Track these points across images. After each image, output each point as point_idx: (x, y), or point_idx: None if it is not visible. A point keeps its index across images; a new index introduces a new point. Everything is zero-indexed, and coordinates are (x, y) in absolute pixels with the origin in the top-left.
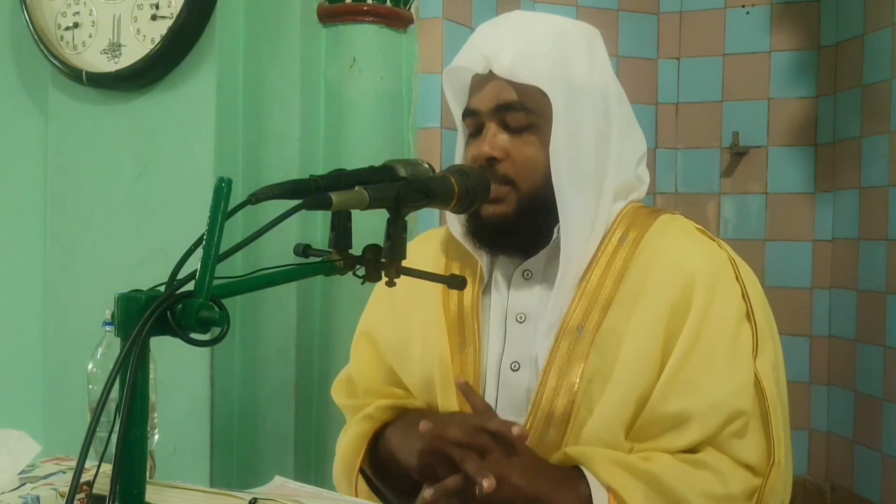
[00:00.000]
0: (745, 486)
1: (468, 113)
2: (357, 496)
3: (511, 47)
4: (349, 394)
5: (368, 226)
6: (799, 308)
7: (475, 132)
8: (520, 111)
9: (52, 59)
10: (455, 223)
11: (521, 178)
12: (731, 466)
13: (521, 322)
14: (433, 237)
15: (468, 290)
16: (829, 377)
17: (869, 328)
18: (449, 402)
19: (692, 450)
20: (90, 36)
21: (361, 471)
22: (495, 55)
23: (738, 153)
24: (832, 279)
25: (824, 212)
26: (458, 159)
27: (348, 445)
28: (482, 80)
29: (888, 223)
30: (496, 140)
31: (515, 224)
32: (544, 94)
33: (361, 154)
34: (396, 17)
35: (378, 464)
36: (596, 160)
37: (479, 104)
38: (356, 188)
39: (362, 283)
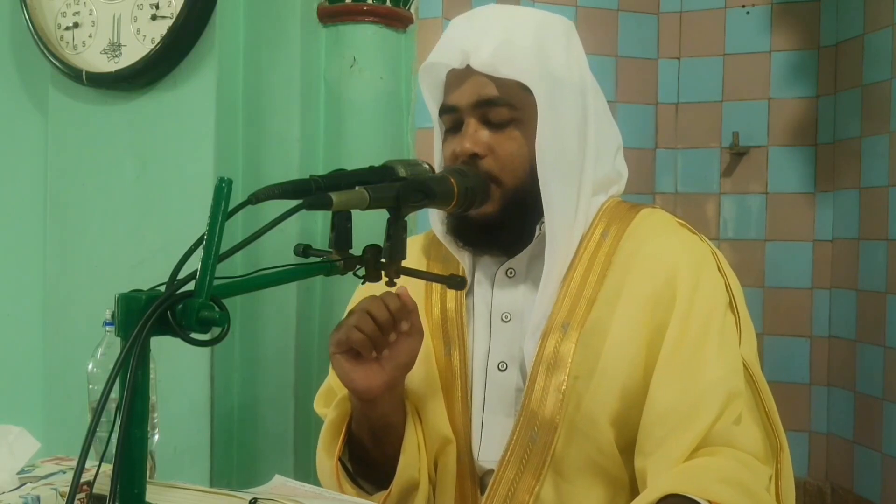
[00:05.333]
0: (766, 475)
1: (446, 109)
2: (339, 485)
3: (490, 41)
4: (328, 403)
5: (368, 226)
6: (799, 308)
7: (453, 128)
8: (501, 106)
9: (52, 59)
10: (437, 223)
11: (505, 174)
12: (748, 458)
13: (506, 321)
14: (414, 242)
15: (451, 293)
16: (829, 378)
17: (869, 328)
18: (435, 405)
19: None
20: (90, 36)
21: (341, 462)
22: (474, 50)
23: (738, 153)
24: (832, 279)
25: (824, 212)
26: (437, 158)
27: (326, 431)
28: (460, 75)
29: (888, 223)
30: (477, 136)
31: (500, 222)
32: (524, 89)
33: (361, 154)
34: (396, 17)
35: (353, 448)
36: (577, 154)
37: (458, 100)
38: (356, 188)
39: (362, 283)
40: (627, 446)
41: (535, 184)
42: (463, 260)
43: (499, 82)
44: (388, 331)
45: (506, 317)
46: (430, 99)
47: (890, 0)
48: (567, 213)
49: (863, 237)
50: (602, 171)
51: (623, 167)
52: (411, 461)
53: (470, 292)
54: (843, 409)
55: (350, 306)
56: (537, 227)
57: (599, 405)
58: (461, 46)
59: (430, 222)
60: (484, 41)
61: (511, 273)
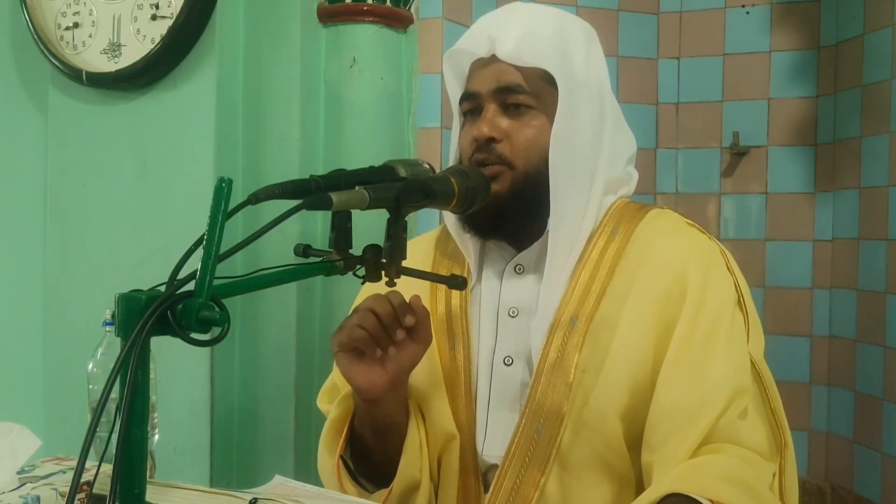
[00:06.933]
0: (770, 472)
1: (467, 96)
2: (340, 483)
3: (515, 31)
4: (331, 400)
5: (368, 226)
6: (799, 308)
7: (472, 112)
8: (522, 94)
9: (52, 59)
10: (450, 213)
11: (518, 158)
12: (752, 455)
13: (513, 316)
14: (422, 241)
15: None
16: (829, 377)
17: (869, 328)
18: (438, 401)
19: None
20: (90, 36)
21: (342, 460)
22: (499, 38)
23: (738, 153)
24: (832, 279)
25: (824, 212)
26: (454, 145)
27: (328, 429)
28: (483, 64)
29: (888, 223)
30: (495, 121)
31: (508, 205)
32: (546, 80)
33: (361, 154)
34: (396, 17)
35: (355, 445)
36: (590, 151)
37: (480, 86)
38: (356, 188)
39: (362, 283)
40: (635, 442)
41: (547, 174)
42: (469, 254)
43: (522, 71)
44: (392, 328)
45: (513, 312)
46: (452, 87)
47: (890, 0)
48: (576, 208)
49: (863, 237)
50: (614, 174)
51: (634, 172)
52: (413, 461)
53: (477, 287)
54: (843, 408)
55: (356, 304)
56: (548, 223)
57: (607, 399)
58: (487, 34)
59: (431, 223)
60: (509, 30)
61: (520, 269)
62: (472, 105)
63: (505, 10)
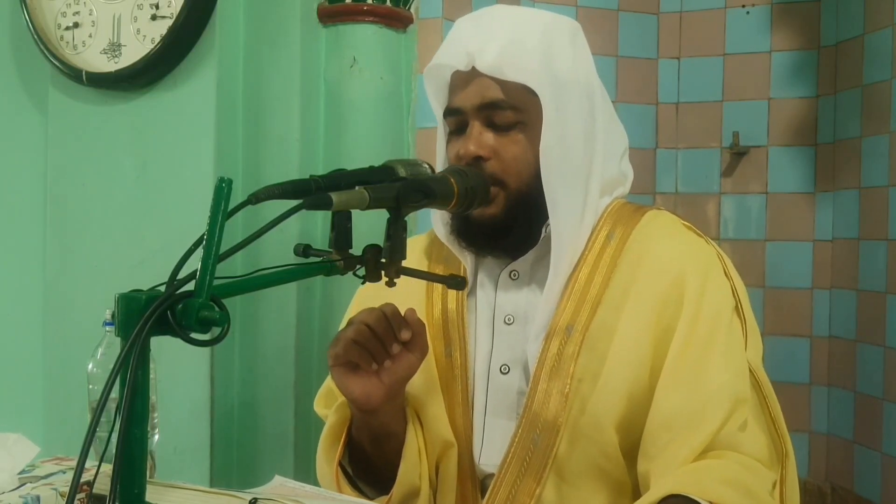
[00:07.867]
0: (770, 480)
1: (450, 111)
2: (339, 489)
3: (496, 43)
4: (328, 404)
5: (368, 226)
6: (799, 308)
7: (457, 130)
8: (507, 109)
9: (52, 59)
10: (439, 224)
11: (510, 177)
12: (753, 462)
13: (509, 324)
14: (415, 243)
15: (453, 294)
16: (829, 378)
17: (869, 328)
18: (435, 408)
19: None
20: (90, 36)
21: (341, 466)
22: (479, 52)
23: (738, 153)
24: (832, 279)
25: (824, 212)
26: (440, 159)
27: (326, 436)
28: (465, 78)
29: (888, 223)
30: (482, 138)
31: (505, 225)
32: (530, 91)
33: (361, 154)
34: (396, 17)
35: (354, 452)
36: (583, 156)
37: (463, 102)
38: (356, 188)
39: (362, 283)
40: (632, 450)
41: (541, 186)
42: (465, 261)
43: (504, 85)
44: (388, 341)
45: (509, 319)
46: (435, 100)
47: (890, 0)
48: (573, 216)
49: (863, 237)
50: (609, 174)
51: (628, 169)
52: (412, 467)
53: (472, 294)
54: (843, 409)
55: (349, 311)
56: (543, 229)
57: (604, 408)
58: (466, 48)
59: (430, 223)
60: (489, 43)
61: (515, 275)
62: (456, 121)
63: (484, 17)
